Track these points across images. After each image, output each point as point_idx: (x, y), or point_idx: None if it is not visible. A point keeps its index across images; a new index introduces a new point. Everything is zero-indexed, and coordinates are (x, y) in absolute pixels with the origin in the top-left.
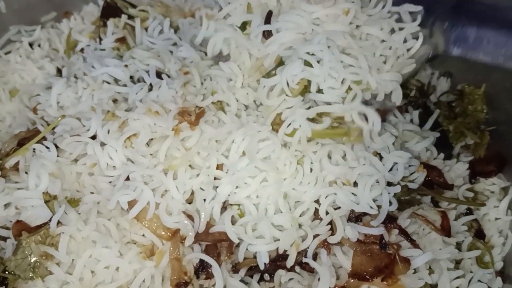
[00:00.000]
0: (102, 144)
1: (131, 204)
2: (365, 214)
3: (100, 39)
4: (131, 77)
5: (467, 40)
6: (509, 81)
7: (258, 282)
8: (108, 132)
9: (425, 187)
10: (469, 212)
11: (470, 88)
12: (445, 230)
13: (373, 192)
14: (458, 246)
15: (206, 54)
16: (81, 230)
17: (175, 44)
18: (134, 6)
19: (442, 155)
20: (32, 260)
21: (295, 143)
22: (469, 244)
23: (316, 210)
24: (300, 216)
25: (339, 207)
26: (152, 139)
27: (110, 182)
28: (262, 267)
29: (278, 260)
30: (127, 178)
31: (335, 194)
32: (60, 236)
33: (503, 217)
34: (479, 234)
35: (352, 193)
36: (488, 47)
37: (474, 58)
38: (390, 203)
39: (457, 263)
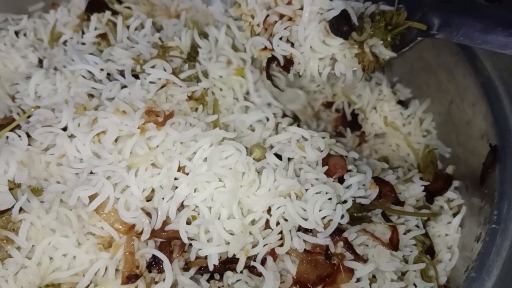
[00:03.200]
0: (72, 137)
1: (93, 197)
2: None
3: (83, 33)
4: (108, 74)
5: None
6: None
7: (208, 281)
8: (79, 125)
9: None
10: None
11: None
12: (393, 244)
13: (323, 212)
14: (406, 258)
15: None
16: (42, 218)
17: None
18: (120, 2)
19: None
20: None
21: None
22: (416, 257)
23: (268, 220)
24: (252, 224)
25: None
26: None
27: (76, 173)
28: (211, 268)
29: (228, 262)
30: (92, 172)
31: (286, 206)
32: (21, 223)
33: (453, 234)
34: (430, 250)
35: (302, 208)
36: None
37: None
38: (342, 216)
39: (403, 274)
